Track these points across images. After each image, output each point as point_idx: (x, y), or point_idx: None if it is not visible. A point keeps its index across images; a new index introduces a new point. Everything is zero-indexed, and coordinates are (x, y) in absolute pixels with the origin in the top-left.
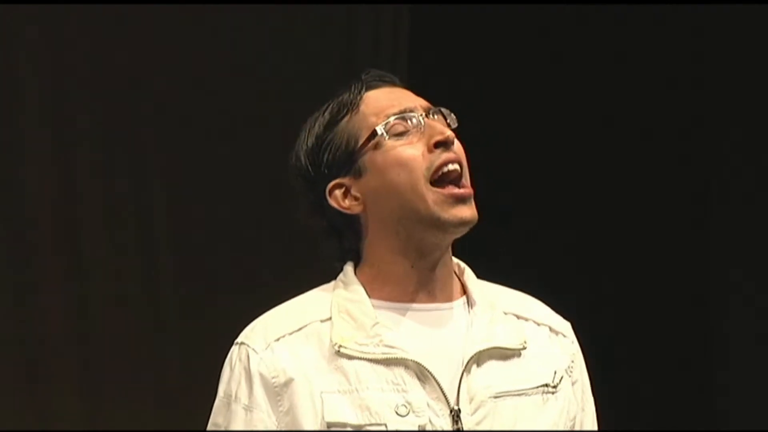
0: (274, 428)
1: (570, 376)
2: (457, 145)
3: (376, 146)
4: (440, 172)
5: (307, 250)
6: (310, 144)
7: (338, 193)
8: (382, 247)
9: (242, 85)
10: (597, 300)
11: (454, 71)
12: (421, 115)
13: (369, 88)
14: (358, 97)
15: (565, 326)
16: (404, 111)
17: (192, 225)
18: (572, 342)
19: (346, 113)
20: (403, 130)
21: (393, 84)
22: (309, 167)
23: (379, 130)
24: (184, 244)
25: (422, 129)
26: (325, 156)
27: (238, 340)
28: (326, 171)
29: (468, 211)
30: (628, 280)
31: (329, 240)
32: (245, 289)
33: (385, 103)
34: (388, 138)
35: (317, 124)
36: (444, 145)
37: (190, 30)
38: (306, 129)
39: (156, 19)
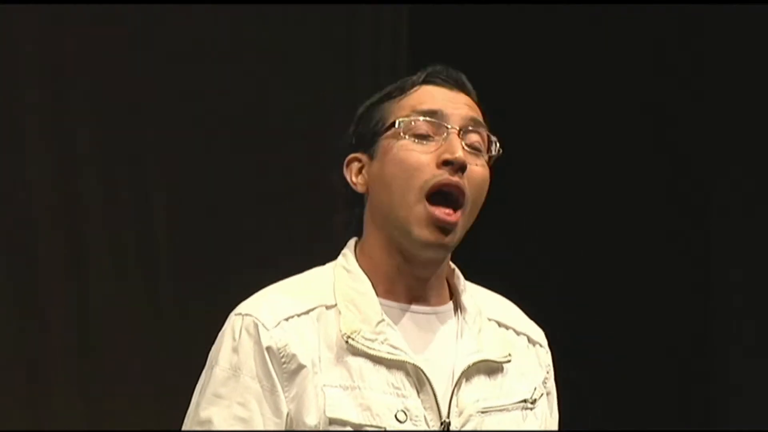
0: (286, 411)
1: (545, 387)
2: (476, 173)
3: (393, 138)
4: (436, 191)
5: (309, 251)
6: (360, 112)
7: (354, 166)
8: (374, 238)
9: (242, 84)
10: (596, 299)
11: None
12: (452, 127)
13: (428, 82)
14: (412, 87)
15: (541, 335)
16: (433, 113)
17: (192, 225)
18: (547, 352)
19: (394, 96)
20: (425, 133)
21: (456, 87)
22: (352, 130)
23: (398, 123)
24: (184, 244)
25: (444, 140)
26: (359, 127)
27: (241, 311)
28: (353, 140)
29: (438, 237)
30: (628, 279)
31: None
32: (246, 289)
33: (423, 99)
34: (406, 136)
35: (375, 96)
36: (450, 165)
37: (189, 30)
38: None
39: (156, 21)
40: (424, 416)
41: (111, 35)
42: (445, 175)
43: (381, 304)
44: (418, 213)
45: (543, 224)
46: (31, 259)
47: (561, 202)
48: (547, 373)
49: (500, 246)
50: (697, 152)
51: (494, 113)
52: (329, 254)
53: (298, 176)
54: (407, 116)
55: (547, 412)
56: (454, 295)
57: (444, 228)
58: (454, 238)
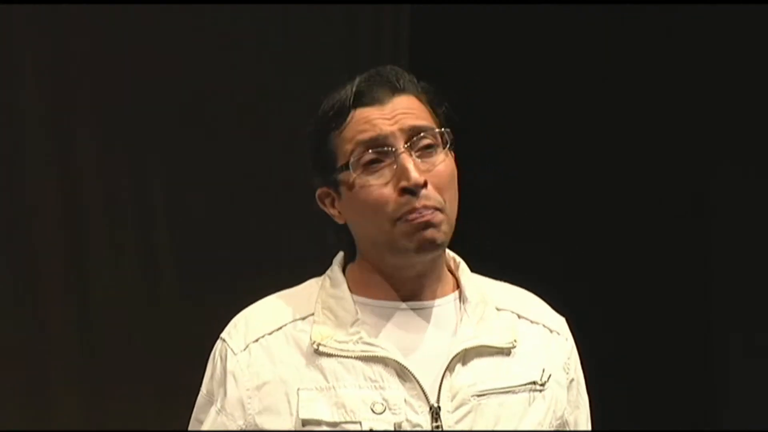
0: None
1: (567, 374)
2: (440, 172)
3: (349, 176)
4: (405, 218)
5: (309, 250)
6: (310, 132)
7: (327, 200)
8: (365, 258)
9: (242, 85)
10: (595, 297)
11: (455, 71)
12: (395, 150)
13: (359, 104)
14: (346, 116)
15: (559, 323)
16: (375, 139)
17: (192, 225)
18: (566, 339)
19: (335, 128)
20: (373, 158)
21: (387, 95)
22: (309, 156)
23: (350, 166)
24: (185, 243)
25: (395, 166)
26: (317, 158)
27: (222, 335)
28: (318, 174)
29: (425, 235)
30: (627, 277)
31: (334, 233)
32: (247, 289)
33: (359, 127)
34: (358, 173)
35: (317, 116)
36: (411, 192)
37: (190, 30)
38: (318, 112)
39: (156, 19)
40: (407, 404)
41: (111, 35)
42: (408, 206)
43: (371, 303)
44: (399, 230)
45: (543, 223)
46: (31, 259)
47: (562, 199)
48: (569, 359)
49: (501, 240)
50: (697, 151)
51: (495, 112)
52: (329, 252)
53: (298, 176)
54: (352, 152)
55: (560, 396)
56: (458, 286)
57: (425, 227)
58: (439, 233)
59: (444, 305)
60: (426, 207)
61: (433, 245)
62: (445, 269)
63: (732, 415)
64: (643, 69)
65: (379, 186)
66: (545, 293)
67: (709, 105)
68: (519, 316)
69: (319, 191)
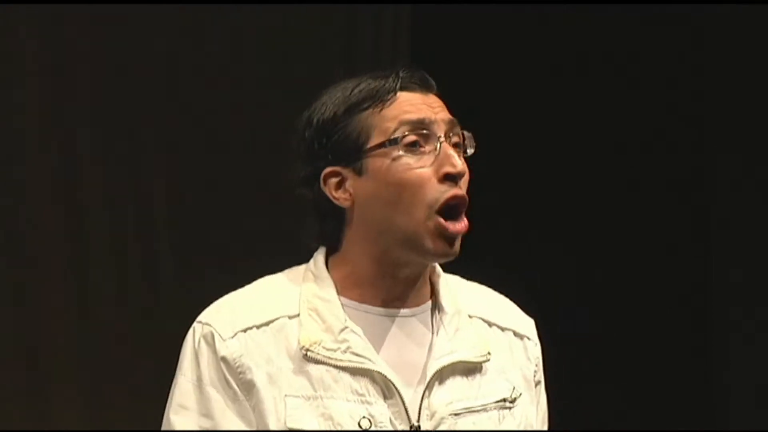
0: (253, 420)
1: (534, 378)
2: (466, 174)
3: (386, 154)
4: (446, 206)
5: (313, 252)
6: (326, 116)
7: (333, 181)
8: (360, 248)
9: (242, 84)
10: (592, 295)
11: (456, 72)
12: (440, 137)
13: (404, 88)
14: (389, 96)
15: (528, 327)
16: (421, 121)
17: (193, 224)
18: (536, 344)
19: (371, 106)
20: (415, 140)
21: (427, 90)
22: (315, 140)
23: (397, 140)
24: (185, 242)
25: (437, 152)
26: (334, 139)
27: (202, 319)
28: (330, 154)
29: (452, 248)
30: (626, 276)
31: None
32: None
33: (405, 108)
34: (400, 150)
35: (341, 99)
36: (454, 179)
37: (190, 29)
38: (329, 96)
39: (156, 19)
40: (391, 422)
41: (111, 35)
42: (450, 191)
43: (354, 307)
44: (430, 227)
45: (544, 223)
46: (31, 257)
47: (562, 197)
48: (536, 366)
49: (502, 236)
50: (697, 151)
51: (496, 113)
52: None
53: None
54: (396, 130)
55: (529, 409)
56: (434, 293)
57: (453, 238)
58: (458, 247)
59: (423, 314)
60: (464, 198)
61: (450, 257)
62: (427, 274)
63: (731, 413)
64: (642, 68)
65: (419, 168)
66: (540, 287)
67: (707, 102)
68: (490, 324)
69: (326, 170)
